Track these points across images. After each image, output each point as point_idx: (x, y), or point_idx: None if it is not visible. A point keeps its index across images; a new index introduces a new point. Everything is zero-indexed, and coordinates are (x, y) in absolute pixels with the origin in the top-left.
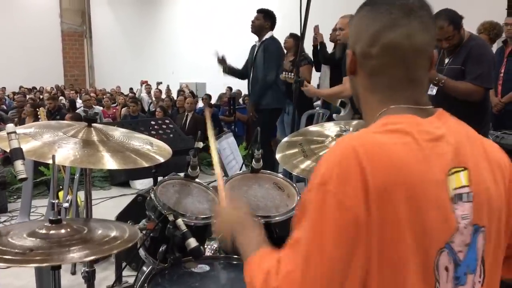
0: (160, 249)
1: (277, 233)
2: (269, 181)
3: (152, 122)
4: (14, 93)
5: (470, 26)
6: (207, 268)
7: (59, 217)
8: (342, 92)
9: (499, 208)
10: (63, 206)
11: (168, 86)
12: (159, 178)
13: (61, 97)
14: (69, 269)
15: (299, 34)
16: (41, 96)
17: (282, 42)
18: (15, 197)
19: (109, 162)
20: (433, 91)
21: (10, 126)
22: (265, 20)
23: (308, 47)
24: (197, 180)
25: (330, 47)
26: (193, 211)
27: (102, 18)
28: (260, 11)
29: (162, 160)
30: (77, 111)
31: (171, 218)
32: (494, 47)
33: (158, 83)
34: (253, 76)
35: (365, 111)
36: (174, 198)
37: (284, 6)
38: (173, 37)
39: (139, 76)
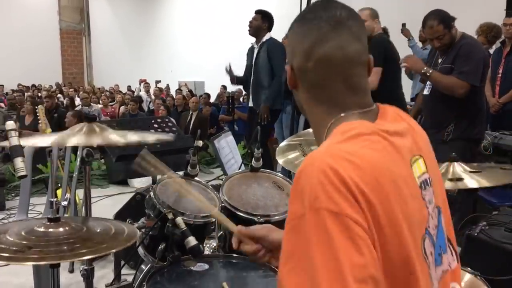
0: (159, 247)
1: None
2: (268, 180)
3: (152, 121)
4: (13, 91)
5: (469, 26)
6: (206, 266)
7: (57, 215)
8: None
9: (442, 187)
10: (62, 204)
11: (168, 85)
12: (158, 177)
13: (59, 95)
14: (67, 267)
15: None
16: (39, 94)
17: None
18: (13, 194)
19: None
20: (427, 91)
21: (10, 123)
22: (263, 21)
23: None
24: (196, 178)
25: None
26: (192, 209)
27: (100, 16)
28: (258, 12)
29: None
30: (75, 109)
31: (170, 216)
32: (493, 50)
33: (157, 82)
34: (254, 78)
35: (314, 123)
36: (174, 197)
37: (283, 5)
38: (172, 35)
39: (137, 74)
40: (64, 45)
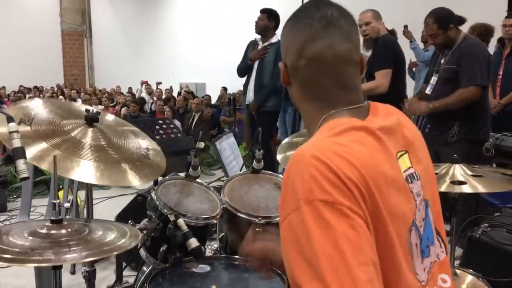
0: (161, 249)
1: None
2: (270, 181)
3: (153, 122)
4: (14, 92)
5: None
6: (208, 268)
7: (60, 217)
8: (377, 87)
9: (433, 181)
10: (65, 206)
11: (171, 87)
12: (160, 178)
13: (60, 97)
14: (68, 269)
15: None
16: (41, 95)
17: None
18: (14, 196)
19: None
20: (429, 91)
21: (12, 125)
22: (269, 20)
23: None
24: (198, 180)
25: None
26: (194, 211)
27: (102, 18)
28: (264, 11)
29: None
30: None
31: (172, 218)
32: (491, 49)
33: (158, 83)
34: (257, 75)
35: (306, 119)
36: (175, 198)
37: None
38: (173, 37)
39: (139, 76)
40: (65, 46)
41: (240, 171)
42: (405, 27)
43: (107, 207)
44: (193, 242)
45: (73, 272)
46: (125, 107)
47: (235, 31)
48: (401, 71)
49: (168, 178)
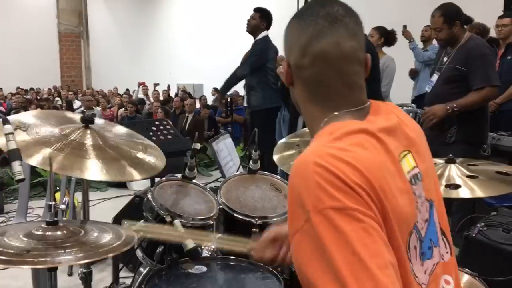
0: (157, 250)
1: None
2: (266, 182)
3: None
4: (12, 94)
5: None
6: (204, 269)
7: (55, 219)
8: None
9: (435, 180)
10: (60, 208)
11: (168, 86)
12: (156, 179)
13: (57, 98)
14: (65, 270)
15: None
16: (38, 97)
17: (280, 42)
18: (11, 198)
19: (95, 172)
20: (429, 88)
21: (7, 127)
22: (261, 20)
23: None
24: (194, 181)
25: None
26: (190, 212)
27: (99, 19)
28: (257, 10)
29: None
30: (75, 112)
31: (168, 219)
32: None
33: (155, 84)
34: (247, 78)
35: (309, 121)
36: (172, 199)
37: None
38: (170, 38)
39: (136, 77)
40: (62, 48)
41: (237, 171)
42: (404, 27)
43: (104, 209)
44: (190, 243)
45: (70, 274)
46: (123, 109)
47: (232, 32)
48: None
49: (165, 179)
